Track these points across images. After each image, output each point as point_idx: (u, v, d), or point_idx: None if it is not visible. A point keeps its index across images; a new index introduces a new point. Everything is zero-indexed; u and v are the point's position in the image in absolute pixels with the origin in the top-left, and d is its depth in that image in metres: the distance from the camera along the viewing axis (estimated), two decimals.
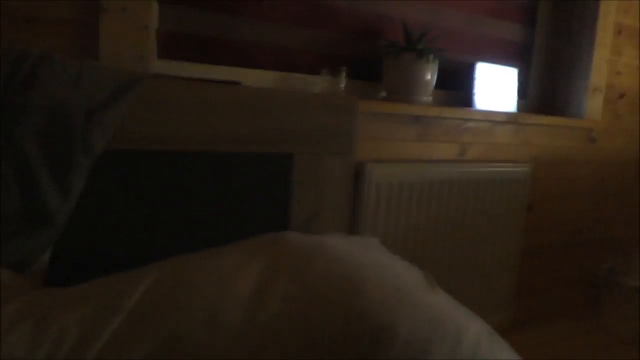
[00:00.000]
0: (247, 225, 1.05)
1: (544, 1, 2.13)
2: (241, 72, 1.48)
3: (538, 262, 2.11)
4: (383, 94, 1.68)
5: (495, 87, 1.94)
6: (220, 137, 1.03)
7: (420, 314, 0.74)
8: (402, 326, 0.70)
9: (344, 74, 1.55)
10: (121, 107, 0.92)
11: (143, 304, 0.72)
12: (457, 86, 1.91)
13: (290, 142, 1.10)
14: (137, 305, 0.72)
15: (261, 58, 1.52)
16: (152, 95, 0.97)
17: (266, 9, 1.50)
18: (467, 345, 0.72)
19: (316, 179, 1.15)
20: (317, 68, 1.58)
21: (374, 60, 1.70)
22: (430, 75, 1.64)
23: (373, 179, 1.45)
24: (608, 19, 2.06)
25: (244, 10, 1.47)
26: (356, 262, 0.82)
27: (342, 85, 1.56)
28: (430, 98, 1.66)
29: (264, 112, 1.06)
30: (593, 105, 2.10)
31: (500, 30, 2.03)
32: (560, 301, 2.27)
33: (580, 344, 2.13)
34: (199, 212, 1.02)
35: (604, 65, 2.10)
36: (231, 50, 1.47)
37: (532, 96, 2.17)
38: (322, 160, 1.15)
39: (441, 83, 1.78)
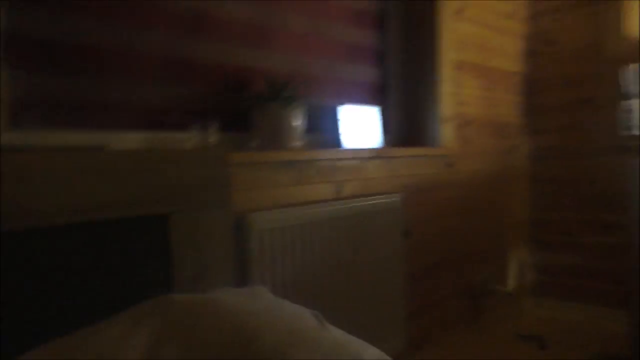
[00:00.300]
0: (131, 292, 1.01)
1: (393, 44, 2.34)
2: (106, 135, 1.43)
3: (421, 283, 2.24)
4: (255, 143, 1.72)
5: (361, 126, 2.08)
6: (88, 206, 0.98)
7: (315, 352, 0.75)
8: None
9: (214, 128, 1.56)
10: None
11: None
12: (326, 128, 2.01)
13: (164, 203, 1.08)
14: None
15: (127, 119, 1.49)
16: (6, 170, 0.91)
17: (128, 67, 1.48)
18: None
19: (196, 236, 1.13)
20: (186, 124, 1.58)
21: (244, 111, 1.74)
22: (299, 121, 1.71)
23: (256, 228, 1.46)
24: (447, 56, 2.32)
25: (105, 70, 1.43)
26: (246, 313, 0.83)
27: (213, 139, 1.57)
28: (302, 142, 1.74)
29: (131, 175, 1.04)
30: (445, 133, 2.33)
31: (358, 73, 2.19)
32: (446, 315, 2.42)
33: (468, 352, 2.29)
34: (77, 286, 0.96)
35: (449, 97, 2.35)
36: (94, 113, 1.42)
37: (394, 131, 2.36)
38: (199, 216, 1.14)
39: (310, 127, 1.87)
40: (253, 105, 1.69)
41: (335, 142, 2.00)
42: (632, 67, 2.54)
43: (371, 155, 1.99)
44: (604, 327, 2.57)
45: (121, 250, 1.02)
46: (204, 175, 1.17)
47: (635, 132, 2.55)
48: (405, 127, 2.38)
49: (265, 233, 1.49)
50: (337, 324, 1.72)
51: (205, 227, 1.15)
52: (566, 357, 2.26)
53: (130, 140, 1.48)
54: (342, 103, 2.05)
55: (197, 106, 1.65)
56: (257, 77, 1.80)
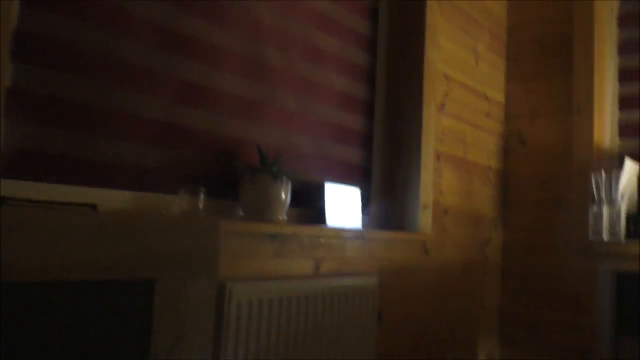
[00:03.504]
0: (106, 357, 0.98)
1: (378, 130, 2.45)
2: (97, 192, 1.44)
3: None
4: (240, 212, 1.74)
5: (342, 205, 2.13)
6: (75, 265, 0.97)
7: None
8: None
9: (201, 194, 1.58)
10: None
11: None
12: (309, 204, 2.05)
13: (152, 267, 1.08)
14: None
15: (118, 178, 1.50)
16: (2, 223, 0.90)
17: (123, 128, 1.51)
18: None
19: (179, 303, 1.12)
20: (175, 188, 1.60)
21: (231, 180, 1.77)
22: (285, 195, 1.75)
23: (233, 298, 1.45)
24: (429, 146, 2.43)
25: (100, 129, 1.46)
26: None
27: (200, 204, 1.59)
28: (285, 217, 1.76)
29: (122, 237, 1.04)
30: (424, 220, 2.39)
31: (344, 154, 2.27)
32: None
33: None
34: (52, 345, 0.93)
35: (429, 185, 2.43)
36: (86, 170, 1.43)
37: (374, 212, 2.41)
38: (185, 283, 1.14)
39: (294, 202, 1.91)
40: (242, 175, 1.73)
41: (318, 218, 2.04)
42: (602, 175, 2.67)
43: (351, 235, 2.02)
44: None
45: (100, 313, 1.01)
46: (192, 243, 1.17)
47: (604, 237, 2.65)
48: (385, 210, 2.44)
49: (243, 303, 1.48)
50: None
51: (188, 294, 1.14)
52: None
53: (120, 199, 1.49)
54: (326, 181, 2.11)
55: (188, 171, 1.68)
56: (248, 148, 1.85)
